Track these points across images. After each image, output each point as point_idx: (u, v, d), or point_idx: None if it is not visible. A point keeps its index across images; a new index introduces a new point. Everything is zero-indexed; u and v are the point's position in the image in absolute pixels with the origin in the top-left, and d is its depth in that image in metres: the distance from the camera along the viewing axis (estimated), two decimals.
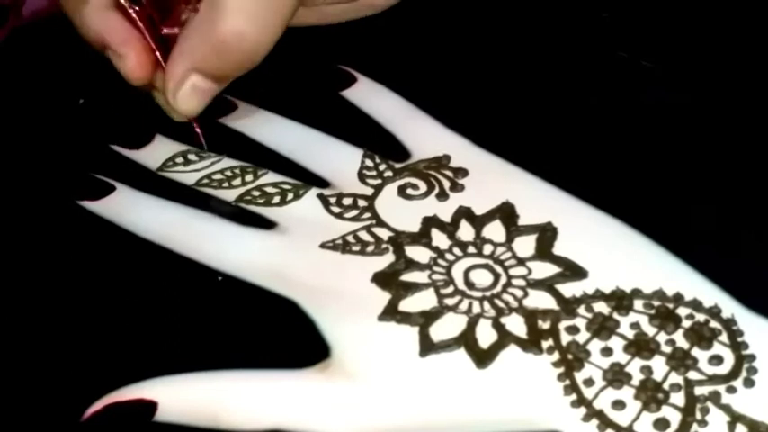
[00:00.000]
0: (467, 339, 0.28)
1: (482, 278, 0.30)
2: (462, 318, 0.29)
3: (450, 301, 0.30)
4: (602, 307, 0.29)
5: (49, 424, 0.27)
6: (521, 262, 0.31)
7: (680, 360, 0.27)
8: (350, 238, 0.32)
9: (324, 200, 0.34)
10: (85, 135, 0.38)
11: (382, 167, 0.35)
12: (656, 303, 0.29)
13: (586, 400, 0.27)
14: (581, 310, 0.29)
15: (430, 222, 0.32)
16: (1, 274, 0.32)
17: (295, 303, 0.30)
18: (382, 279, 0.30)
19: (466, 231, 0.32)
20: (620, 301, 0.29)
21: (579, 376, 0.27)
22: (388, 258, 0.31)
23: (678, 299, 0.29)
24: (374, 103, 0.38)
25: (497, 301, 0.29)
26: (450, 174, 0.34)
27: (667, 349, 0.28)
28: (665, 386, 0.27)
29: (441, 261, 0.31)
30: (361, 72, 0.39)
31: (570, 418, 0.26)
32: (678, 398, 0.27)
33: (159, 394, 0.28)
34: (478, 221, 0.32)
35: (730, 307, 0.29)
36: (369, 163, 0.35)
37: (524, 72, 0.39)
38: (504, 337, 0.28)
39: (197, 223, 0.33)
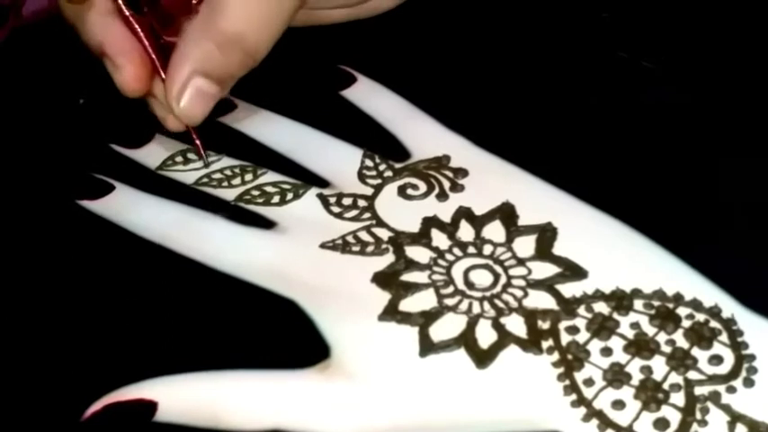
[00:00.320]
0: (467, 339, 0.28)
1: (482, 278, 0.30)
2: (462, 318, 0.29)
3: (450, 302, 0.30)
4: (601, 307, 0.29)
5: (49, 424, 0.27)
6: (521, 262, 0.31)
7: (680, 360, 0.27)
8: (350, 238, 0.32)
9: (324, 200, 0.34)
10: (85, 134, 0.38)
11: (382, 167, 0.35)
12: (656, 303, 0.29)
13: (586, 400, 0.27)
14: (581, 310, 0.29)
15: (430, 222, 0.32)
16: (1, 273, 0.32)
17: (295, 303, 0.30)
18: (382, 279, 0.30)
19: (466, 231, 0.32)
20: (620, 301, 0.29)
21: (579, 376, 0.27)
22: (388, 258, 0.31)
23: (678, 299, 0.29)
24: (374, 103, 0.38)
25: (497, 302, 0.29)
26: (450, 174, 0.34)
27: (667, 349, 0.28)
28: (665, 386, 0.27)
29: (441, 261, 0.31)
30: (361, 72, 0.39)
31: (570, 418, 0.26)
32: (678, 398, 0.27)
33: (159, 394, 0.28)
34: (478, 222, 0.32)
35: (730, 307, 0.29)
36: (369, 163, 0.35)
37: (524, 72, 0.39)
38: (504, 338, 0.28)
39: (196, 222, 0.33)
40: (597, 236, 0.31)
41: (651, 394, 0.27)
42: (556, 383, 0.27)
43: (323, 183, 0.35)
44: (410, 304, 0.30)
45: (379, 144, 0.36)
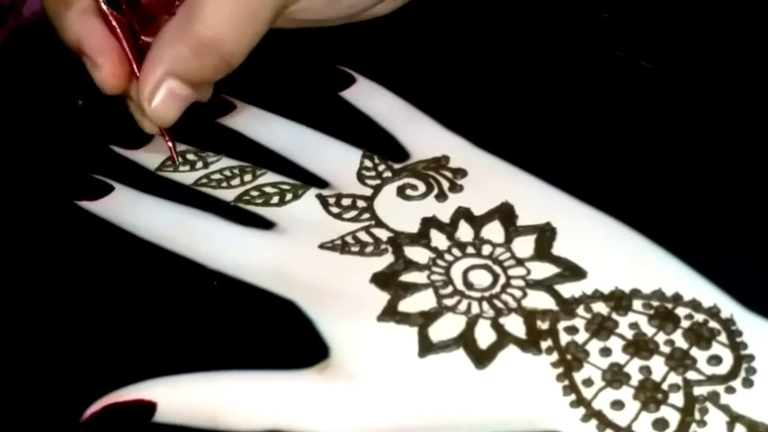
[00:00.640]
0: (466, 340, 0.28)
1: (481, 278, 0.30)
2: (461, 318, 0.29)
3: (449, 302, 0.30)
4: (600, 307, 0.29)
5: (49, 424, 0.27)
6: (520, 262, 0.31)
7: (679, 360, 0.27)
8: (349, 239, 0.32)
9: (323, 200, 0.34)
10: (84, 135, 0.38)
11: (381, 168, 0.35)
12: (655, 303, 0.29)
13: (585, 401, 0.27)
14: (580, 310, 0.29)
15: (429, 223, 0.32)
16: (1, 274, 0.32)
17: (294, 304, 0.30)
18: (381, 279, 0.30)
19: (465, 232, 0.32)
20: (619, 301, 0.29)
21: (578, 376, 0.27)
22: (388, 259, 0.31)
23: (677, 299, 0.29)
24: (373, 104, 0.38)
25: (496, 302, 0.29)
26: (449, 174, 0.34)
27: (666, 349, 0.28)
28: (664, 386, 0.27)
29: (440, 261, 0.31)
30: (360, 72, 0.39)
31: (569, 419, 0.26)
32: (677, 398, 0.27)
33: (158, 395, 0.28)
34: (477, 222, 0.32)
35: (729, 307, 0.29)
36: (368, 163, 0.35)
37: (524, 72, 0.39)
38: (503, 338, 0.28)
39: (196, 223, 0.33)
40: (596, 236, 0.31)
41: (650, 394, 0.27)
42: (555, 384, 0.27)
43: (322, 183, 0.35)
44: (409, 304, 0.30)
45: (378, 145, 0.36)
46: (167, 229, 0.33)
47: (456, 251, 0.31)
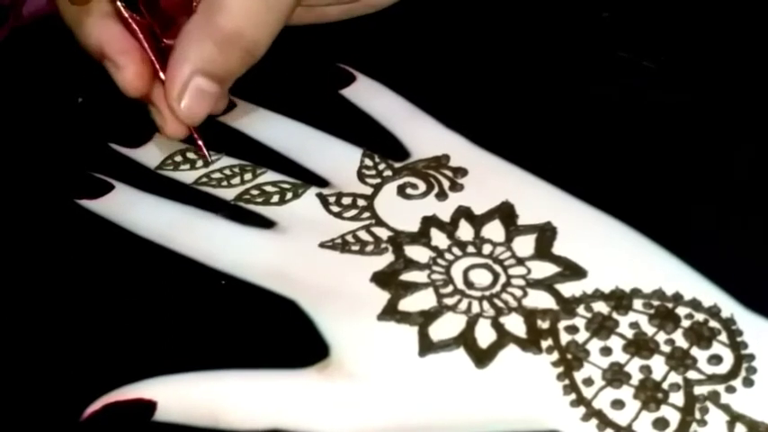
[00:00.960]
0: (466, 339, 0.28)
1: (481, 278, 0.30)
2: (461, 317, 0.29)
3: (449, 301, 0.30)
4: (601, 306, 0.29)
5: (49, 424, 0.27)
6: (520, 261, 0.31)
7: (679, 360, 0.27)
8: (349, 238, 0.32)
9: (323, 199, 0.34)
10: (84, 134, 0.38)
11: (381, 167, 0.35)
12: (656, 303, 0.29)
13: (586, 400, 0.27)
14: (580, 309, 0.29)
15: (429, 222, 0.32)
16: (0, 272, 0.32)
17: (294, 303, 0.30)
18: (381, 279, 0.30)
19: (465, 231, 0.32)
20: (620, 300, 0.29)
21: (578, 376, 0.27)
22: (388, 258, 0.31)
23: (677, 298, 0.29)
24: (373, 102, 0.38)
25: (497, 301, 0.29)
26: (449, 173, 0.34)
27: (666, 349, 0.28)
28: (665, 386, 0.27)
29: (440, 261, 0.31)
30: (361, 71, 0.39)
31: (569, 418, 0.26)
32: (677, 397, 0.27)
33: (158, 394, 0.28)
34: (478, 221, 0.32)
35: (729, 307, 0.29)
36: (368, 162, 0.35)
37: (524, 72, 0.39)
38: (504, 337, 0.28)
39: (196, 222, 0.33)
40: (597, 235, 0.31)
41: (650, 394, 0.27)
42: (555, 383, 0.27)
43: (322, 182, 0.35)
44: (409, 304, 0.30)
45: (379, 143, 0.36)
46: (167, 227, 0.33)
47: (456, 250, 0.31)
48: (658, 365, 0.27)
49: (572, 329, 0.28)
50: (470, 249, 0.31)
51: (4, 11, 0.42)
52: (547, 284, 0.30)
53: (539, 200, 0.33)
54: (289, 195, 0.34)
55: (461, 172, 0.34)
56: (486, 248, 0.31)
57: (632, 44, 0.39)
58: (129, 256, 0.32)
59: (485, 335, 0.28)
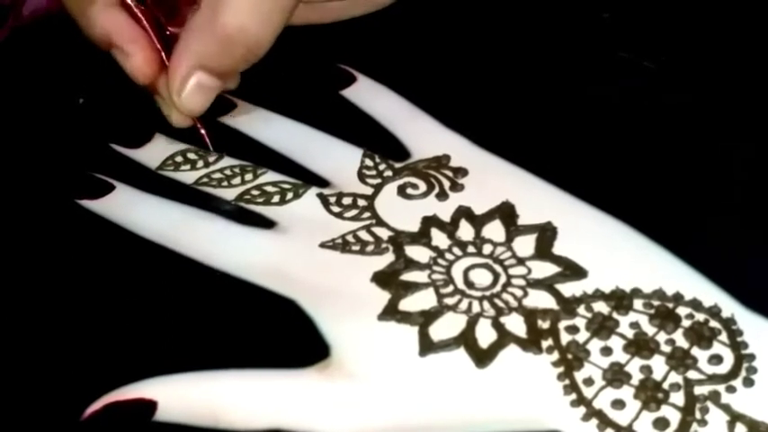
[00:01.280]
0: (466, 339, 0.28)
1: (482, 278, 0.30)
2: (462, 317, 0.29)
3: (449, 301, 0.30)
4: (601, 306, 0.29)
5: (49, 423, 0.27)
6: (520, 261, 0.31)
7: (680, 360, 0.27)
8: (350, 238, 0.32)
9: (323, 199, 0.34)
10: (85, 134, 0.38)
11: (382, 167, 0.35)
12: (656, 303, 0.29)
13: (586, 400, 0.27)
14: (581, 309, 0.29)
15: (430, 222, 0.32)
16: (1, 273, 0.32)
17: (295, 303, 0.30)
18: (382, 278, 0.30)
19: (465, 231, 0.32)
20: (620, 300, 0.29)
21: (579, 376, 0.27)
22: (388, 258, 0.31)
23: (678, 298, 0.29)
24: (374, 103, 0.38)
25: (497, 301, 0.29)
26: (449, 173, 0.34)
27: (667, 349, 0.28)
28: (665, 386, 0.27)
29: (440, 261, 0.31)
30: (361, 71, 0.39)
31: (570, 418, 0.26)
32: (678, 397, 0.27)
33: (159, 394, 0.28)
34: (478, 221, 0.32)
35: (730, 307, 0.29)
36: (368, 162, 0.35)
37: (525, 72, 0.39)
38: (504, 337, 0.28)
39: (196, 222, 0.33)
40: (597, 235, 0.31)
41: (651, 394, 0.27)
42: (555, 383, 0.27)
43: (323, 182, 0.35)
44: (410, 304, 0.30)
45: (379, 144, 0.36)
46: (168, 228, 0.33)
47: (457, 250, 0.31)
48: (659, 365, 0.27)
49: (572, 329, 0.28)
50: (471, 249, 0.31)
51: (4, 11, 0.42)
52: (547, 284, 0.30)
53: (539, 200, 0.33)
54: (289, 195, 0.34)
55: (462, 172, 0.34)
56: (487, 248, 0.31)
57: (633, 45, 0.39)
58: (130, 256, 0.32)
59: (485, 335, 0.28)
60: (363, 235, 0.32)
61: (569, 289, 0.30)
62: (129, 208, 0.34)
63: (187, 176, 0.35)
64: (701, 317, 0.28)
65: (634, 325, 0.28)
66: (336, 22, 0.40)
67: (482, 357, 0.28)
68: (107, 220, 0.34)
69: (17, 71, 0.41)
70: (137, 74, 0.35)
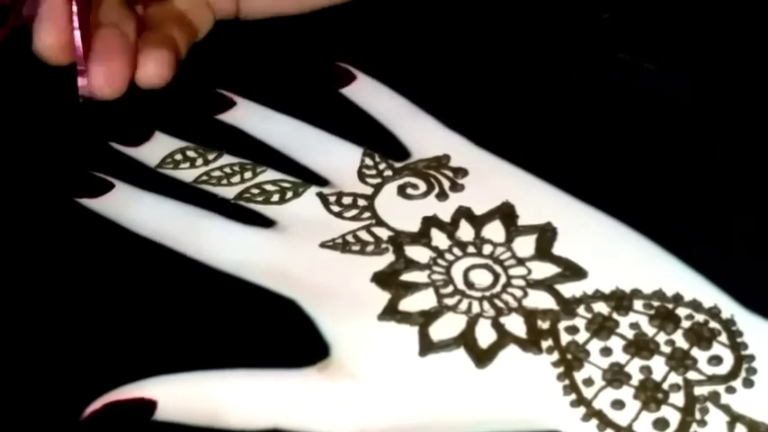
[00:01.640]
0: (466, 339, 0.28)
1: (482, 278, 0.30)
2: (462, 317, 0.29)
3: (449, 301, 0.30)
4: (601, 307, 0.29)
5: (49, 423, 0.27)
6: (520, 262, 0.31)
7: (679, 360, 0.27)
8: (349, 238, 0.32)
9: (323, 198, 0.34)
10: (84, 132, 0.38)
11: (382, 166, 0.35)
12: (656, 304, 0.29)
13: (586, 400, 0.27)
14: (580, 310, 0.29)
15: (430, 222, 0.32)
16: (0, 272, 0.32)
17: (294, 302, 0.30)
18: (382, 279, 0.30)
19: (465, 231, 0.32)
20: (620, 301, 0.29)
21: (579, 376, 0.27)
22: (388, 258, 0.31)
23: (678, 299, 0.29)
24: (374, 102, 0.38)
25: (497, 301, 0.29)
26: (449, 173, 0.34)
27: (667, 349, 0.28)
28: (665, 386, 0.27)
29: (440, 261, 0.31)
30: (361, 70, 0.39)
31: (570, 418, 0.26)
32: (677, 398, 0.27)
33: (158, 393, 0.27)
34: (478, 221, 0.32)
35: (730, 307, 0.29)
36: (368, 162, 0.35)
37: (525, 72, 0.39)
38: (504, 337, 0.28)
39: (196, 221, 0.33)
40: (597, 236, 0.31)
41: (651, 394, 0.27)
42: (555, 383, 0.27)
43: (323, 181, 0.34)
44: (410, 304, 0.30)
45: (379, 143, 0.36)
46: (167, 226, 0.33)
47: (457, 250, 0.31)
48: (658, 366, 0.27)
49: (572, 330, 0.28)
50: (471, 249, 0.31)
51: (4, 11, 0.42)
52: (547, 285, 0.30)
53: (539, 200, 0.33)
54: (289, 194, 0.34)
55: (462, 172, 0.34)
56: (487, 249, 0.31)
57: (632, 45, 0.39)
58: (129, 254, 0.32)
59: (485, 335, 0.28)
60: (363, 235, 0.32)
61: (569, 289, 0.30)
62: (128, 206, 0.34)
63: (186, 175, 0.35)
64: (700, 318, 0.28)
65: (634, 325, 0.28)
66: (336, 22, 0.40)
67: (482, 357, 0.28)
68: (106, 218, 0.34)
69: (17, 71, 0.41)
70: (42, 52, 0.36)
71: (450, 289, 0.30)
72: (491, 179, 0.34)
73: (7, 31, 0.41)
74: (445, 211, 0.33)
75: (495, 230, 0.32)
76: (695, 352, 0.28)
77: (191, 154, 0.36)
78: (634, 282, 0.29)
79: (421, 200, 0.33)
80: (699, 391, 0.27)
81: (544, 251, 0.31)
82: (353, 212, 0.33)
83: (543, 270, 0.30)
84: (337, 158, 0.35)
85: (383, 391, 0.27)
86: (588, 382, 0.27)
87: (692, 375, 0.27)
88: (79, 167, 0.36)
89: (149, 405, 0.27)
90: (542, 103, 0.37)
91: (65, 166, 0.36)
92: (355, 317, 0.29)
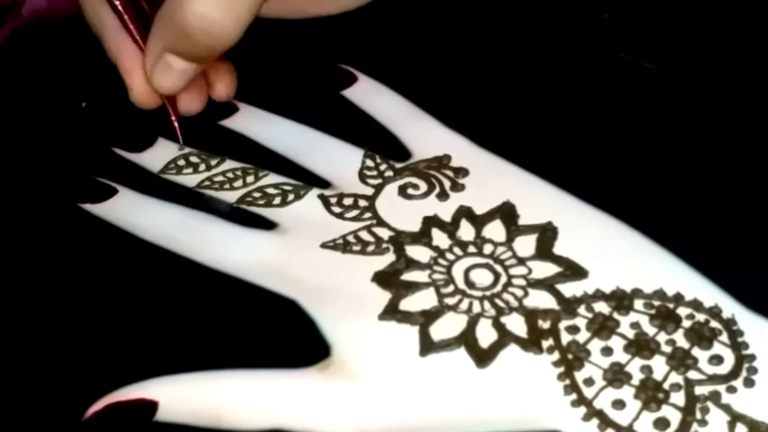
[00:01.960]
0: (467, 339, 0.28)
1: (482, 278, 0.30)
2: (462, 317, 0.29)
3: (450, 301, 0.30)
4: (602, 307, 0.29)
5: (51, 424, 0.27)
6: (521, 261, 0.31)
7: (680, 360, 0.27)
8: (350, 238, 0.32)
9: (325, 200, 0.34)
10: (88, 138, 0.38)
11: (383, 167, 0.35)
12: (657, 303, 0.29)
13: (586, 400, 0.27)
14: (581, 309, 0.29)
15: (430, 222, 0.32)
16: (4, 276, 0.32)
17: (296, 303, 0.30)
18: (383, 278, 0.30)
19: (466, 231, 0.32)
20: (621, 300, 0.29)
21: (579, 376, 0.27)
22: (389, 258, 0.31)
23: (678, 299, 0.29)
24: (375, 103, 0.38)
25: (498, 301, 0.29)
26: (450, 173, 0.34)
27: (667, 349, 0.28)
28: (666, 386, 0.27)
29: (441, 260, 0.31)
30: (362, 71, 0.39)
31: (570, 418, 0.26)
32: (678, 397, 0.27)
33: (160, 394, 0.28)
34: (479, 221, 0.32)
35: (730, 307, 0.29)
36: (369, 163, 0.35)
37: (525, 72, 0.39)
38: (505, 337, 0.28)
39: (199, 225, 0.34)
40: (597, 236, 0.31)
41: (651, 394, 0.27)
42: (556, 383, 0.27)
43: (324, 183, 0.35)
44: (410, 303, 0.30)
45: (380, 144, 0.36)
46: (170, 230, 0.33)
47: (457, 250, 0.31)
48: (659, 366, 0.27)
49: (573, 329, 0.28)
50: (471, 249, 0.31)
51: (4, 11, 0.42)
52: (548, 284, 0.30)
53: (540, 200, 0.33)
54: (290, 197, 0.34)
55: (462, 172, 0.34)
56: (488, 248, 0.31)
57: (632, 45, 0.39)
58: (133, 259, 0.32)
59: (486, 335, 0.28)
60: (364, 235, 0.32)
61: (570, 289, 0.30)
62: (131, 211, 0.34)
63: (189, 180, 0.36)
64: (701, 317, 0.28)
65: (635, 325, 0.28)
66: (336, 21, 0.40)
67: (483, 357, 0.28)
68: (110, 223, 0.34)
69: (18, 73, 0.41)
70: (117, 65, 0.35)
71: (450, 288, 0.30)
72: (492, 179, 0.34)
73: (7, 31, 0.41)
74: (446, 211, 0.33)
75: (495, 230, 0.32)
76: (696, 351, 0.28)
77: (193, 159, 0.36)
78: (635, 281, 0.29)
79: (422, 200, 0.33)
80: (699, 390, 0.27)
81: (545, 251, 0.31)
82: (354, 213, 0.33)
83: (544, 270, 0.30)
84: (338, 160, 0.35)
85: (384, 391, 0.27)
86: (589, 381, 0.27)
87: (692, 375, 0.27)
88: (83, 173, 0.36)
89: (151, 406, 0.27)
90: (542, 103, 0.37)
91: (68, 171, 0.36)
92: (356, 317, 0.29)
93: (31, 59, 0.38)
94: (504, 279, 0.30)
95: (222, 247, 0.32)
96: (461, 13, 0.42)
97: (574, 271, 0.30)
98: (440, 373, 0.28)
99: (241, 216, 0.34)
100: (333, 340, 0.29)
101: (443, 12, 0.42)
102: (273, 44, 0.40)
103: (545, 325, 0.29)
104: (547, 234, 0.31)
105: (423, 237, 0.32)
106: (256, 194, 0.34)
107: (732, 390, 0.27)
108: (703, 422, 0.26)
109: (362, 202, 0.33)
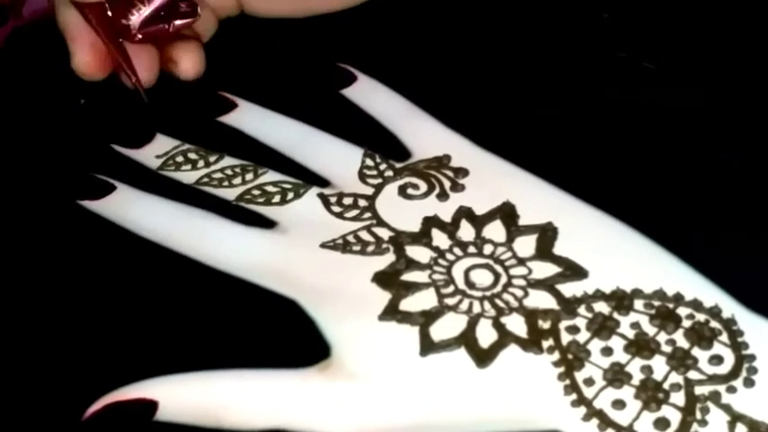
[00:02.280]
0: (467, 339, 0.28)
1: (482, 278, 0.30)
2: (463, 317, 0.29)
3: (450, 301, 0.30)
4: (602, 307, 0.29)
5: (50, 423, 0.27)
6: (521, 262, 0.31)
7: (680, 360, 0.27)
8: (350, 238, 0.32)
9: (324, 199, 0.34)
10: (86, 134, 0.38)
11: (383, 167, 0.35)
12: (657, 303, 0.29)
13: (587, 400, 0.27)
14: (581, 309, 0.29)
15: (430, 222, 0.32)
16: (1, 273, 0.32)
17: (295, 303, 0.30)
18: (383, 279, 0.30)
19: (466, 231, 0.32)
20: (621, 300, 0.29)
21: (579, 376, 0.27)
22: (389, 258, 0.31)
23: (678, 299, 0.29)
24: (375, 102, 0.38)
25: (498, 301, 0.29)
26: (450, 173, 0.34)
27: (667, 349, 0.28)
28: (666, 386, 0.27)
29: (441, 261, 0.31)
30: (362, 70, 0.39)
31: (570, 418, 0.26)
32: (678, 397, 0.27)
33: (160, 394, 0.28)
34: (479, 221, 0.32)
35: (730, 307, 0.29)
36: (369, 162, 0.35)
37: (525, 72, 0.39)
38: (505, 337, 0.28)
39: (197, 222, 0.33)
40: (597, 236, 0.31)
41: (651, 394, 0.27)
42: (556, 383, 0.27)
43: (324, 182, 0.35)
44: (411, 304, 0.30)
45: (380, 143, 0.36)
46: (169, 228, 0.33)
47: (457, 250, 0.31)
48: (659, 366, 0.27)
49: (573, 329, 0.28)
50: (471, 249, 0.31)
51: (4, 11, 0.42)
52: (548, 285, 0.30)
53: (540, 200, 0.33)
54: (290, 195, 0.34)
55: (462, 172, 0.34)
56: (488, 249, 0.31)
57: (632, 45, 0.39)
58: (131, 256, 0.32)
59: (486, 335, 0.29)
60: (364, 235, 0.32)
61: (570, 289, 0.30)
62: (129, 208, 0.34)
63: (188, 176, 0.35)
64: (701, 317, 0.28)
65: (635, 325, 0.28)
66: (336, 20, 0.40)
67: (483, 357, 0.28)
68: (108, 220, 0.34)
69: (18, 71, 0.41)
70: (78, 70, 0.36)
71: (450, 289, 0.30)
72: (492, 179, 0.34)
73: (7, 31, 0.41)
74: (446, 211, 0.33)
75: (495, 230, 0.32)
76: (696, 351, 0.28)
77: (192, 156, 0.36)
78: (635, 281, 0.29)
79: (422, 200, 0.33)
80: (699, 390, 0.27)
81: (545, 251, 0.31)
82: (354, 213, 0.33)
83: (544, 270, 0.30)
84: (338, 159, 0.35)
85: (384, 391, 0.27)
86: (589, 381, 0.27)
87: (692, 375, 0.27)
88: (81, 169, 0.36)
89: (151, 405, 0.27)
90: (542, 103, 0.37)
91: (66, 168, 0.36)
92: (356, 317, 0.29)
93: (31, 59, 0.38)
94: (504, 279, 0.30)
95: (221, 246, 0.32)
96: (461, 13, 0.42)
97: (574, 271, 0.30)
98: (440, 374, 0.28)
99: (240, 214, 0.34)
100: (333, 340, 0.29)
101: (443, 11, 0.42)
102: (274, 43, 0.40)
103: (545, 325, 0.29)
104: (547, 234, 0.31)
105: (423, 237, 0.32)
106: (255, 192, 0.34)
107: (732, 390, 0.27)
108: (703, 422, 0.26)
109: (362, 202, 0.33)
